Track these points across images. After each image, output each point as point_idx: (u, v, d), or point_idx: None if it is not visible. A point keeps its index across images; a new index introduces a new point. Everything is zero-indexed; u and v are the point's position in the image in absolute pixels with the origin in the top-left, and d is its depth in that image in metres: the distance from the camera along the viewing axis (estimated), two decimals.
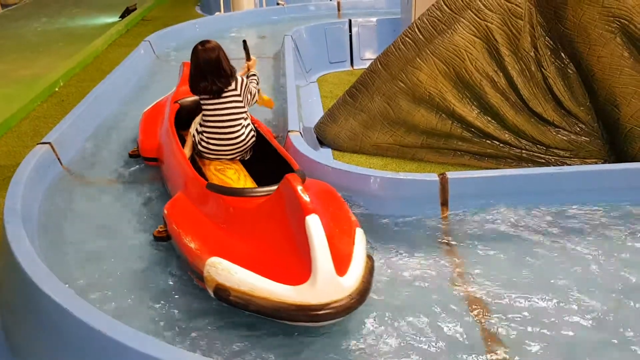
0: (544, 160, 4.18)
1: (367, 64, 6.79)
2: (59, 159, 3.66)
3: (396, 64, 4.27)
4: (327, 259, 2.15)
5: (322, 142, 4.65)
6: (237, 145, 3.38)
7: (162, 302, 2.55)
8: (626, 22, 3.68)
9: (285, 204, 2.33)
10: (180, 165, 3.17)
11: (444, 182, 3.14)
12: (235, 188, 2.84)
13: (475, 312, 2.47)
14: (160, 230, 2.97)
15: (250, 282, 2.23)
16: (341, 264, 2.25)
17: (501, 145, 4.23)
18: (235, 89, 3.34)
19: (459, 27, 4.07)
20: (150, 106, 4.32)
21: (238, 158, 3.45)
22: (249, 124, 3.44)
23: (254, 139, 3.44)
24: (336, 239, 2.34)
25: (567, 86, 4.03)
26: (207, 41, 3.32)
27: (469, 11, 4.06)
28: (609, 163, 4.08)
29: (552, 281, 2.64)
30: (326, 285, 2.14)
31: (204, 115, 3.39)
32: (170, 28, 7.41)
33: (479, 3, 4.04)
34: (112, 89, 4.97)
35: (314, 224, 2.17)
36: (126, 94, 5.18)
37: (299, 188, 2.25)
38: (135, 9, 11.57)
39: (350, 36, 7.20)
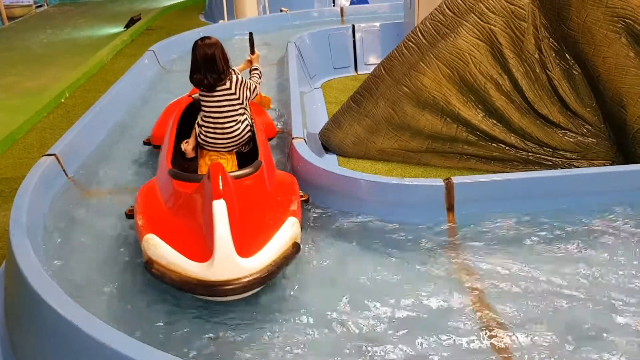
0: (551, 163, 4.14)
1: (371, 69, 6.78)
2: (64, 170, 3.67)
3: (400, 68, 4.25)
4: (226, 241, 2.35)
5: (327, 148, 4.64)
6: (232, 140, 3.57)
7: (171, 317, 2.53)
8: (631, 22, 3.64)
9: (205, 190, 2.55)
10: (163, 151, 3.44)
11: (449, 187, 3.11)
12: (182, 173, 3.01)
13: (483, 320, 2.44)
14: (131, 209, 3.09)
15: (167, 256, 2.47)
16: (248, 247, 2.45)
17: (507, 148, 4.20)
18: (230, 88, 3.48)
19: (462, 30, 4.05)
20: (175, 99, 4.48)
21: (235, 150, 3.64)
22: (245, 120, 3.61)
23: (250, 133, 3.62)
24: (252, 224, 2.60)
25: (572, 87, 3.99)
26: (208, 37, 3.53)
27: (472, 14, 4.04)
28: (617, 164, 4.04)
29: (562, 287, 2.61)
30: (223, 265, 2.34)
31: (202, 109, 3.58)
32: (174, 37, 7.44)
33: (482, 6, 4.02)
34: (116, 100, 4.98)
35: (219, 209, 2.38)
36: (130, 104, 5.19)
37: (219, 176, 2.48)
38: (140, 18, 11.65)
39: (354, 41, 7.20)
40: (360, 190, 3.27)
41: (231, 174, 2.82)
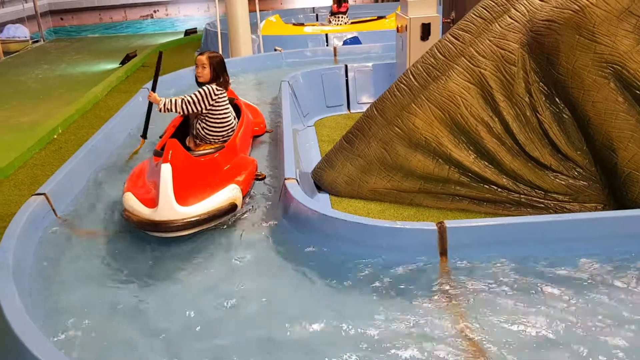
0: (543, 205, 4.14)
1: (363, 108, 6.87)
2: (53, 210, 3.63)
3: (392, 109, 4.28)
4: (167, 192, 3.25)
5: (319, 187, 4.63)
6: (230, 129, 4.52)
7: None
8: (619, 68, 3.70)
9: (161, 159, 3.46)
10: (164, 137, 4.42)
11: (442, 231, 3.09)
12: (159, 151, 3.86)
13: None
14: None
15: (133, 205, 3.40)
16: (189, 198, 3.37)
17: (499, 190, 4.21)
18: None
19: (453, 73, 4.11)
20: None
21: (226, 141, 4.43)
22: (231, 111, 4.61)
23: (236, 121, 4.66)
24: (197, 185, 3.51)
25: (563, 131, 4.03)
26: (213, 51, 4.61)
27: (463, 58, 4.10)
28: (609, 207, 4.05)
29: (557, 335, 2.58)
30: (164, 209, 3.24)
31: (212, 107, 4.35)
32: (168, 75, 7.48)
33: (472, 50, 4.08)
34: (108, 138, 4.97)
35: (164, 170, 3.30)
36: (122, 142, 5.18)
37: (170, 149, 3.42)
38: (136, 55, 11.76)
39: (347, 81, 7.28)
40: (351, 233, 3.25)
41: (198, 152, 4.02)
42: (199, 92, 4.32)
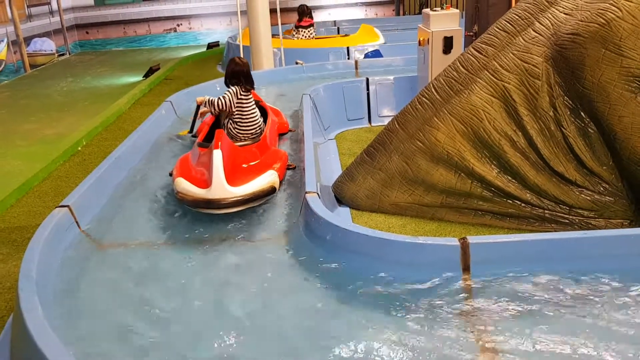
0: (567, 221, 4.07)
1: (384, 121, 6.85)
2: (77, 223, 3.66)
3: (414, 123, 4.26)
4: (219, 174, 3.74)
5: (339, 201, 4.61)
6: (257, 127, 4.99)
7: None
8: None
9: (210, 147, 3.96)
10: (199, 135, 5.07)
11: (464, 247, 3.05)
12: (203, 143, 4.54)
13: None
14: (172, 172, 4.43)
15: (186, 187, 3.87)
16: (236, 180, 3.85)
17: (523, 205, 4.14)
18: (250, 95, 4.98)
19: (476, 87, 4.07)
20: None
21: (256, 138, 4.90)
22: (259, 114, 5.12)
23: (263, 124, 5.15)
24: (242, 169, 4.09)
25: (588, 145, 3.96)
26: (240, 58, 5.09)
27: (486, 72, 4.06)
28: (635, 223, 3.96)
29: (582, 355, 2.51)
30: (217, 189, 3.72)
31: (238, 110, 4.87)
32: (191, 88, 7.55)
33: (496, 63, 4.05)
34: (132, 151, 5.02)
35: (216, 155, 3.81)
36: (146, 155, 5.22)
37: (220, 138, 3.96)
38: (159, 68, 11.91)
39: (368, 94, 7.27)
40: (372, 248, 3.22)
41: (240, 143, 4.71)
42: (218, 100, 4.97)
